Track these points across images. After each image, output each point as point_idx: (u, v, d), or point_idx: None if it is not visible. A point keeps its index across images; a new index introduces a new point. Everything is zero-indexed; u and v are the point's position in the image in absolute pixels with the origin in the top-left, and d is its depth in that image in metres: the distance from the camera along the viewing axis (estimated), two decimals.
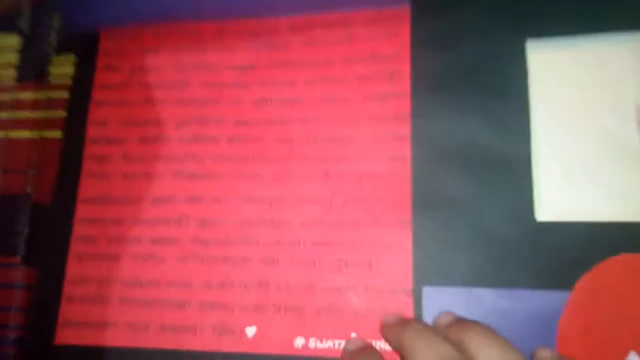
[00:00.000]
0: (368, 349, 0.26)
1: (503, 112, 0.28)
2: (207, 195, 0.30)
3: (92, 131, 0.32)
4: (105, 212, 0.30)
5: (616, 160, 0.27)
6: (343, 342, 0.27)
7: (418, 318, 0.26)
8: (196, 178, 0.30)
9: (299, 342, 0.28)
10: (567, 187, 0.27)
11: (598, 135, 0.27)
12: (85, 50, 0.33)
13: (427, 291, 0.26)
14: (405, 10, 0.30)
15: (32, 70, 0.32)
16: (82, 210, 0.31)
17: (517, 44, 0.28)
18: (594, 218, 0.26)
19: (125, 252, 0.30)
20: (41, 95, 0.32)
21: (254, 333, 0.28)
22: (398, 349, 0.25)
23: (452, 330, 0.24)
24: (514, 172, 0.27)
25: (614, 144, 0.27)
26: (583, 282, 0.26)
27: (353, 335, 0.27)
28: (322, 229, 0.28)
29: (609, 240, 0.26)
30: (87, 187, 0.31)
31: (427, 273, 0.27)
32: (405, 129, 0.28)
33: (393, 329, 0.26)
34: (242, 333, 0.28)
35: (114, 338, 0.29)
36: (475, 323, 0.24)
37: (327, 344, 0.27)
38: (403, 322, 0.26)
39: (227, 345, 0.28)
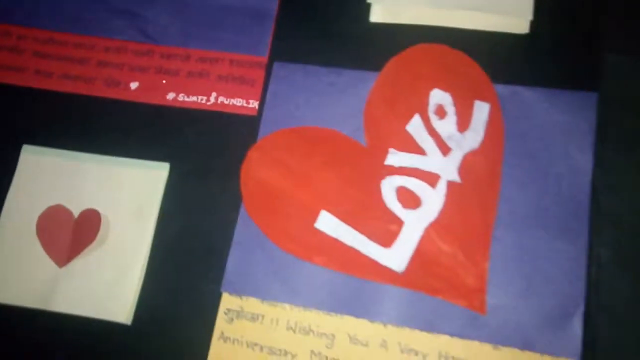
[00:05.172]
0: None
1: None
2: None
3: None
4: None
5: None
6: (205, 98, 0.34)
7: None
8: None
9: (171, 96, 0.34)
10: None
11: None
12: None
13: None
14: None
15: None
16: None
17: None
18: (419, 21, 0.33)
19: None
20: None
21: (136, 87, 0.34)
22: None
23: None
24: None
25: None
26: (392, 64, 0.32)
27: (215, 94, 0.34)
28: None
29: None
30: None
31: None
32: None
33: None
34: (127, 86, 0.35)
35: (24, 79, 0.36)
36: None
37: (192, 99, 0.34)
38: None
39: (115, 94, 0.35)
